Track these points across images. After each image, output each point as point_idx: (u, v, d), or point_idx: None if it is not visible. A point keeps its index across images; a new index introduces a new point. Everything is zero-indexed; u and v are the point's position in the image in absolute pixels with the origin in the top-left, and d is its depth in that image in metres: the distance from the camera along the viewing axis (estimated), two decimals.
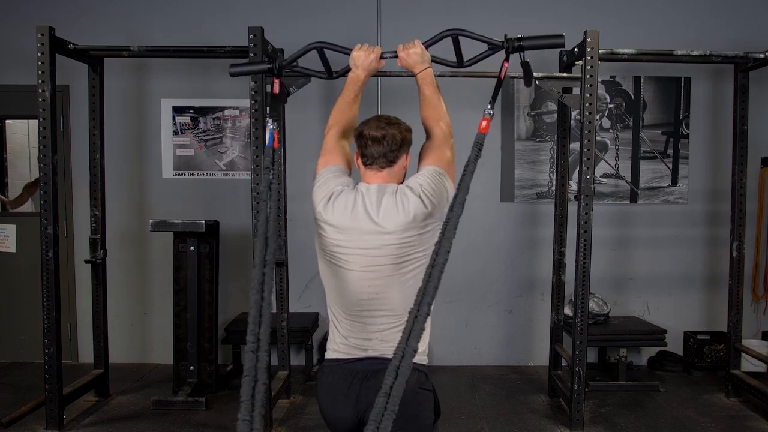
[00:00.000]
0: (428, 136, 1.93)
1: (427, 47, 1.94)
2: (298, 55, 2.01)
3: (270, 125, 1.80)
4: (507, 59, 1.72)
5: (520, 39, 1.74)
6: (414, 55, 1.92)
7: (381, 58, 1.96)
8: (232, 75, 2.00)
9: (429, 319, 1.82)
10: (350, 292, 1.77)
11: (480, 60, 1.98)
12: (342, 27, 4.55)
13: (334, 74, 2.14)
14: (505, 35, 1.75)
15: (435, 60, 1.97)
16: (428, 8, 4.56)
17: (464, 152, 3.00)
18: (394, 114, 1.93)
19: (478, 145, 1.59)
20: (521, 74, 1.90)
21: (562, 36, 1.77)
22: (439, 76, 3.62)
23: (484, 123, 1.62)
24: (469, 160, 1.55)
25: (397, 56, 1.95)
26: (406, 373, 1.27)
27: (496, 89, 1.69)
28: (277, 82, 1.90)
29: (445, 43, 2.02)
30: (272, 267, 1.47)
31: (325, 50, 2.04)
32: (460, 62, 2.06)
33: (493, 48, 1.83)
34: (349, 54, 1.97)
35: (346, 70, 2.01)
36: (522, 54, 1.77)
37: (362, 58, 1.94)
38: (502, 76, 1.72)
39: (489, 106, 1.66)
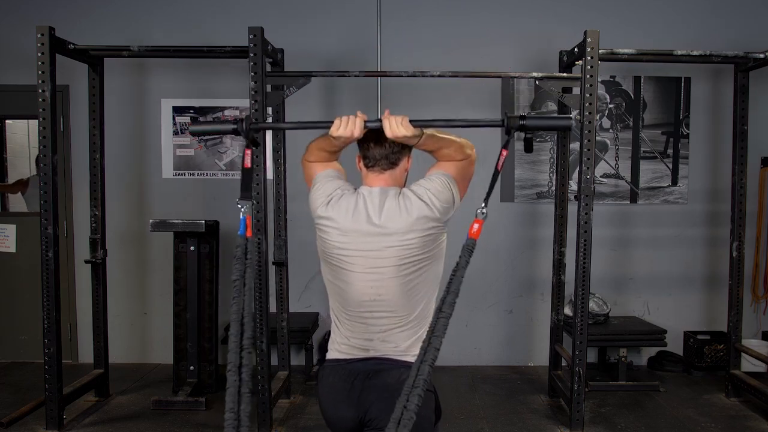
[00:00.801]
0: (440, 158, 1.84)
1: (415, 126, 1.69)
2: (270, 127, 1.86)
3: (241, 209, 1.55)
4: (506, 147, 1.51)
5: (523, 118, 1.56)
6: (403, 138, 1.69)
7: (365, 128, 1.72)
8: (192, 134, 1.78)
9: (430, 319, 1.82)
10: (352, 293, 1.77)
11: (475, 127, 1.77)
12: (342, 27, 4.55)
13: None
14: (506, 113, 1.59)
15: (424, 124, 1.70)
16: (428, 8, 4.56)
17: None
18: (395, 115, 1.92)
19: (469, 251, 1.44)
20: (521, 74, 1.85)
21: (570, 119, 1.64)
22: (439, 76, 3.67)
23: (476, 226, 1.44)
24: (458, 266, 1.44)
25: (381, 126, 1.69)
26: (426, 371, 1.28)
27: (492, 183, 1.50)
28: (248, 153, 1.59)
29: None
30: (249, 351, 1.41)
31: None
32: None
33: (493, 126, 1.67)
34: (328, 130, 1.73)
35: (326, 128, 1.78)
36: (525, 132, 1.60)
37: (343, 139, 1.72)
38: (499, 167, 1.52)
39: (483, 205, 1.47)
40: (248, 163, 1.59)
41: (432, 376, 1.84)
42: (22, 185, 5.11)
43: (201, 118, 4.63)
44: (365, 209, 1.75)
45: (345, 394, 1.76)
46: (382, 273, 1.73)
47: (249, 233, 1.51)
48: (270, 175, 3.92)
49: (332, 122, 1.71)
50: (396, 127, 1.67)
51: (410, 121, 1.67)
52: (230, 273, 1.44)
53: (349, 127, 1.69)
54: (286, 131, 4.00)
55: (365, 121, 1.70)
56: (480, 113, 4.45)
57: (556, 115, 1.48)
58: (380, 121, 1.70)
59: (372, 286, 1.74)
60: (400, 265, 1.72)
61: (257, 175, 3.34)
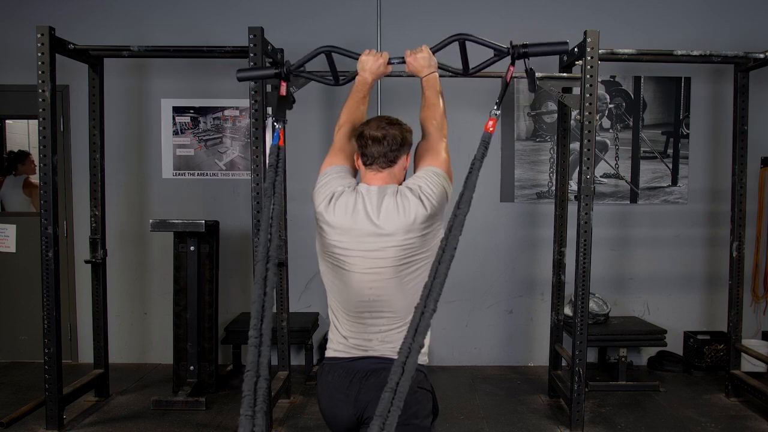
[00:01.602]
0: (424, 135, 1.94)
1: (434, 52, 1.98)
2: (306, 60, 2.03)
3: (277, 125, 1.82)
4: (513, 63, 1.75)
5: (525, 45, 1.77)
6: (421, 59, 1.95)
7: (389, 63, 1.99)
8: (240, 80, 2.02)
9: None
10: (351, 293, 1.77)
11: (486, 67, 2.03)
12: (342, 27, 4.55)
13: (341, 80, 2.17)
14: (511, 42, 1.79)
15: (441, 67, 2.00)
16: (428, 8, 4.56)
17: (466, 151, 3.02)
18: (394, 115, 1.93)
19: (485, 144, 1.61)
20: (521, 74, 1.92)
21: (566, 43, 1.81)
22: (440, 77, 3.65)
23: (491, 123, 1.64)
24: (476, 158, 1.57)
25: (404, 62, 1.98)
26: (412, 369, 1.27)
27: (503, 91, 1.73)
28: (284, 84, 1.91)
29: (450, 51, 2.05)
30: (275, 263, 1.47)
31: (333, 54, 2.07)
32: (466, 69, 2.11)
33: (499, 54, 1.87)
34: (357, 58, 2.00)
35: (352, 76, 2.05)
36: (526, 61, 1.80)
37: (370, 62, 1.97)
38: (508, 79, 1.75)
39: (495, 107, 1.69)
40: (283, 91, 1.92)
41: (430, 376, 1.85)
42: None
43: (201, 119, 4.63)
44: (364, 208, 1.75)
45: (343, 393, 1.76)
46: (381, 273, 1.73)
47: (282, 143, 1.76)
48: None
49: (359, 55, 2.00)
50: (416, 50, 1.96)
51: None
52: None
53: (375, 54, 1.98)
54: (287, 132, 3.99)
55: (390, 57, 2.00)
56: (480, 113, 4.44)
57: (552, 41, 1.68)
58: (402, 57, 1.99)
59: (371, 287, 1.75)
60: (398, 265, 1.72)
61: (257, 174, 3.35)
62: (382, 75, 2.03)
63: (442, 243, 1.44)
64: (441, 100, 1.96)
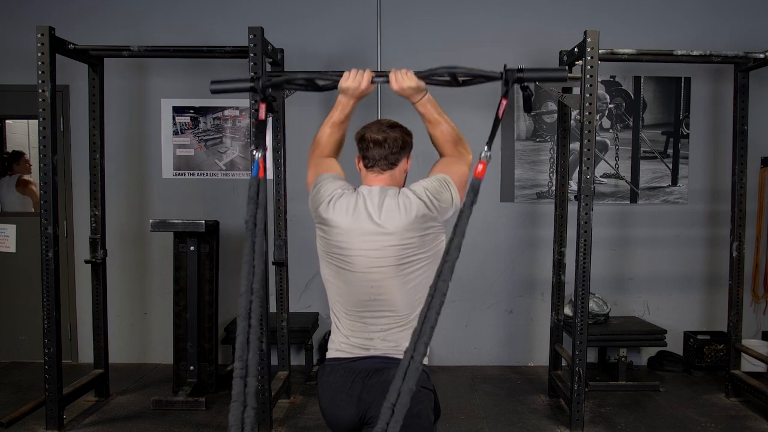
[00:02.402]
0: (443, 155, 1.90)
1: (420, 78, 1.79)
2: (284, 80, 1.88)
3: (256, 154, 1.60)
4: (505, 96, 1.56)
5: (521, 70, 1.61)
6: (408, 89, 1.79)
7: (372, 82, 1.82)
8: (213, 92, 1.83)
9: None
10: (352, 292, 1.78)
11: (477, 84, 1.84)
12: (342, 27, 4.55)
13: (322, 87, 1.92)
14: (505, 66, 1.63)
15: (431, 83, 1.82)
16: (428, 8, 4.56)
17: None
18: (394, 117, 1.93)
19: (474, 191, 1.44)
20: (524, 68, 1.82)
21: (565, 70, 1.71)
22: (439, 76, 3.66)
23: (480, 167, 1.45)
24: (464, 206, 1.43)
25: (388, 81, 1.80)
26: (414, 376, 1.26)
27: (494, 129, 1.53)
28: (262, 107, 1.71)
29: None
30: (260, 295, 1.41)
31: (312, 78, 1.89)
32: (456, 83, 1.92)
33: (492, 80, 1.69)
34: (337, 83, 1.83)
35: (333, 86, 1.88)
36: (523, 84, 1.65)
37: (351, 89, 1.81)
38: (501, 114, 1.55)
39: (486, 148, 1.48)
40: (262, 115, 1.70)
41: (431, 376, 1.85)
42: None
43: (201, 119, 4.63)
44: (365, 208, 1.75)
45: (345, 393, 1.76)
46: (382, 272, 1.73)
47: (261, 174, 1.56)
48: (270, 175, 3.93)
49: (341, 74, 1.79)
50: (402, 78, 1.75)
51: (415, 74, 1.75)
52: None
53: (357, 78, 1.78)
54: (287, 133, 4.00)
55: (373, 76, 1.79)
56: (480, 113, 4.44)
57: (551, 67, 1.54)
58: (387, 75, 1.77)
59: (372, 286, 1.75)
60: (399, 264, 1.73)
61: (266, 123, 3.33)
62: (365, 95, 1.87)
63: (431, 290, 1.39)
64: (446, 118, 1.88)
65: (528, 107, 1.76)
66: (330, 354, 1.85)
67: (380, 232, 1.72)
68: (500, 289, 4.71)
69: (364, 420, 1.75)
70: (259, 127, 1.69)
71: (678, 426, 3.58)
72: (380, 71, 1.82)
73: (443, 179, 1.80)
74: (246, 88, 1.78)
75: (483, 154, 1.47)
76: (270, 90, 1.76)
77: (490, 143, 1.49)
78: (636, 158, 4.68)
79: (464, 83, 1.83)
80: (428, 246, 1.74)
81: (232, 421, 1.21)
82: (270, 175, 3.94)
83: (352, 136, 1.92)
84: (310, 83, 1.88)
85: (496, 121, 1.54)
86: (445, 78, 1.80)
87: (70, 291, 4.66)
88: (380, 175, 1.82)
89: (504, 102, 1.55)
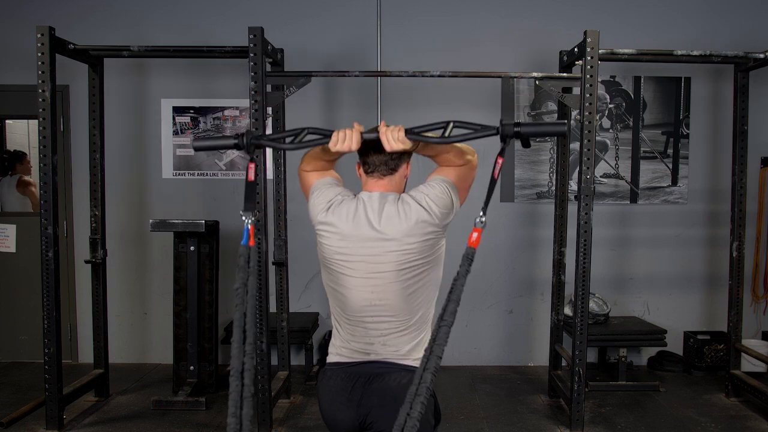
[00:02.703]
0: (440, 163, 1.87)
1: (411, 137, 1.69)
2: (269, 141, 1.81)
3: (245, 220, 1.51)
4: (501, 154, 1.49)
5: (518, 125, 1.54)
6: (400, 150, 1.72)
7: (362, 140, 1.73)
8: (196, 149, 1.74)
9: (430, 324, 1.83)
10: (352, 298, 1.78)
11: (470, 139, 1.69)
12: (342, 27, 4.55)
13: (309, 144, 1.82)
14: (501, 120, 1.56)
15: (420, 138, 1.69)
16: (428, 8, 4.56)
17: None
18: (395, 116, 1.93)
19: (468, 260, 1.40)
20: (521, 74, 1.84)
21: (564, 124, 1.62)
22: (439, 76, 3.66)
23: (475, 235, 1.41)
24: (459, 275, 1.40)
25: (377, 138, 1.70)
26: (428, 379, 1.27)
27: (489, 192, 1.46)
28: (251, 168, 1.58)
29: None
30: (252, 357, 1.37)
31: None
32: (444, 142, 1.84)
33: (488, 135, 1.61)
34: (329, 139, 1.73)
35: (324, 142, 1.76)
36: (520, 138, 1.57)
37: (341, 151, 1.74)
38: (496, 175, 1.48)
39: (481, 214, 1.43)
40: (251, 176, 1.58)
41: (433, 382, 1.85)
42: None
43: (201, 119, 4.63)
44: (365, 214, 1.75)
45: (345, 397, 1.76)
46: (383, 278, 1.74)
47: (252, 242, 1.49)
48: (270, 175, 3.93)
49: (329, 137, 1.71)
50: (393, 143, 1.67)
51: (406, 131, 1.66)
52: (231, 273, 1.44)
53: (347, 141, 1.70)
54: (287, 126, 3.99)
55: (362, 134, 1.71)
56: (480, 113, 4.45)
57: (550, 121, 1.46)
58: (377, 132, 1.70)
59: (372, 291, 1.75)
60: (399, 270, 1.73)
61: (258, 184, 3.34)
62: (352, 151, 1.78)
63: (426, 352, 1.38)
64: (445, 146, 1.77)
65: (526, 144, 1.62)
66: (330, 358, 1.86)
67: (380, 238, 1.73)
68: (500, 289, 4.71)
69: (364, 425, 1.75)
70: (249, 189, 1.57)
71: (678, 426, 3.58)
72: (369, 130, 1.73)
73: (445, 184, 1.79)
74: (230, 145, 1.67)
75: (477, 221, 1.42)
76: (253, 146, 1.65)
77: (485, 209, 1.44)
78: (636, 158, 4.68)
79: (452, 142, 1.69)
80: (428, 252, 1.75)
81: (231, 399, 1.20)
82: (270, 175, 3.94)
83: None
84: (297, 140, 1.76)
85: (492, 183, 1.48)
86: (435, 137, 1.68)
87: (70, 291, 4.66)
88: (380, 180, 1.82)
89: (500, 161, 1.48)
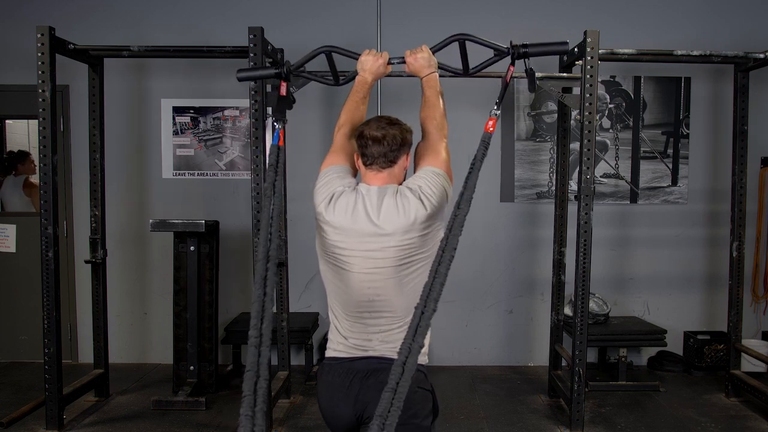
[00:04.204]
0: (424, 135, 1.94)
1: (434, 52, 1.98)
2: (306, 59, 2.03)
3: (277, 125, 1.81)
4: (513, 63, 1.76)
5: (525, 45, 1.77)
6: (421, 59, 1.95)
7: (389, 63, 1.99)
8: (240, 80, 1.99)
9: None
10: (351, 293, 1.77)
11: (486, 67, 2.03)
12: (342, 27, 4.55)
13: (341, 80, 2.19)
14: (511, 42, 1.79)
15: (441, 67, 2.00)
16: (428, 8, 4.56)
17: (466, 151, 2.99)
18: (395, 115, 1.93)
19: (485, 144, 1.61)
20: (521, 74, 1.94)
21: (566, 43, 1.82)
22: (440, 77, 3.66)
23: (491, 122, 1.64)
24: (476, 158, 1.56)
25: (404, 62, 1.98)
26: (412, 369, 1.27)
27: (503, 91, 1.72)
28: (284, 84, 1.91)
29: (450, 51, 2.06)
30: (275, 263, 1.46)
31: (333, 54, 2.07)
32: (466, 69, 2.12)
33: (499, 54, 1.87)
34: (357, 58, 2.00)
35: (352, 76, 2.04)
36: (526, 61, 1.81)
37: (370, 62, 1.97)
38: (508, 80, 1.75)
39: (495, 107, 1.69)
40: (284, 91, 1.90)
41: (429, 376, 1.85)
42: None
43: (201, 119, 4.63)
44: (364, 208, 1.75)
45: (343, 392, 1.76)
46: (381, 273, 1.73)
47: (281, 143, 1.76)
48: None
49: (359, 55, 1.99)
50: (417, 50, 1.95)
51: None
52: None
53: (376, 55, 1.97)
54: (287, 131, 3.99)
55: (390, 58, 1.99)
56: (480, 113, 4.45)
57: (552, 41, 1.71)
58: (403, 58, 1.98)
59: (370, 287, 1.75)
60: (398, 265, 1.73)
61: (257, 174, 3.35)
62: (382, 75, 2.02)
63: (441, 243, 1.43)
64: (441, 101, 1.96)
65: (532, 86, 1.94)
66: (329, 354, 1.85)
67: (379, 233, 1.72)
68: (500, 289, 4.71)
69: (362, 419, 1.75)
70: (280, 101, 1.87)
71: (678, 426, 3.58)
72: (395, 57, 2.02)
73: (437, 174, 1.80)
74: (271, 74, 1.96)
75: (493, 112, 1.68)
76: (293, 74, 1.94)
77: (499, 103, 1.70)
78: (636, 158, 4.68)
79: (473, 72, 2.06)
80: (428, 245, 1.74)
81: (246, 391, 1.22)
82: None
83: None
84: (330, 68, 2.10)
85: (504, 85, 1.75)
86: (456, 68, 2.03)
87: (70, 291, 4.66)
88: (379, 173, 1.82)
89: (511, 69, 1.74)
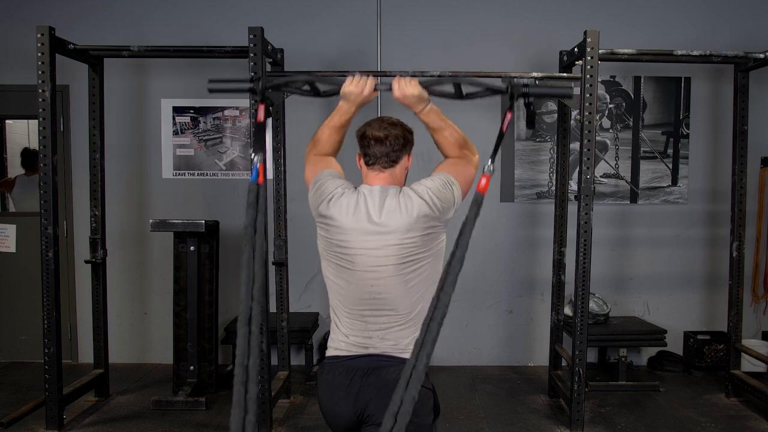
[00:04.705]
0: (448, 157, 1.90)
1: (425, 87, 1.79)
2: (284, 82, 1.88)
3: (254, 158, 1.55)
4: (511, 109, 1.55)
5: (526, 86, 1.58)
6: (411, 97, 1.78)
7: (375, 89, 1.83)
8: (210, 91, 1.80)
9: None
10: (352, 291, 1.78)
11: (482, 97, 1.78)
12: (342, 27, 4.55)
13: (322, 93, 1.94)
14: (510, 80, 1.61)
15: (433, 93, 1.80)
16: (428, 8, 4.55)
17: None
18: (394, 115, 1.94)
19: (477, 204, 1.43)
20: (521, 74, 1.87)
21: (570, 88, 1.69)
22: (439, 76, 3.66)
23: (484, 181, 1.44)
24: (468, 219, 1.42)
25: (390, 88, 1.80)
26: (417, 384, 1.26)
27: (497, 143, 1.50)
28: (261, 108, 1.65)
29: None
30: (260, 302, 1.39)
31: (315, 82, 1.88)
32: (459, 96, 1.91)
33: (496, 93, 1.67)
34: (339, 88, 1.83)
35: (335, 92, 1.87)
36: (526, 98, 1.62)
37: (354, 95, 1.81)
38: (504, 129, 1.52)
39: (489, 162, 1.47)
40: (261, 116, 1.63)
41: (430, 375, 1.85)
42: (8, 184, 5.08)
43: (201, 119, 4.63)
44: (365, 207, 1.75)
45: (344, 391, 1.77)
46: (382, 271, 1.74)
47: (261, 180, 1.50)
48: (270, 175, 3.93)
49: (345, 78, 1.80)
50: (405, 85, 1.75)
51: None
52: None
53: (360, 83, 1.78)
54: (287, 132, 4.00)
55: (376, 83, 1.80)
56: (480, 113, 4.44)
57: (557, 83, 1.53)
58: (390, 83, 1.77)
59: (372, 285, 1.75)
60: (400, 263, 1.73)
61: (265, 125, 3.32)
62: (367, 102, 1.86)
63: (433, 301, 1.38)
64: (450, 123, 1.86)
65: (531, 123, 1.70)
66: (329, 352, 1.86)
67: (381, 232, 1.73)
68: (500, 289, 4.71)
69: (362, 418, 1.76)
70: (258, 130, 1.64)
71: (678, 426, 3.58)
72: (383, 76, 1.79)
73: (446, 179, 1.80)
74: (245, 88, 1.74)
75: (486, 168, 1.44)
76: (269, 91, 1.72)
77: (493, 157, 1.46)
78: (636, 158, 4.68)
79: (467, 96, 1.78)
80: (429, 245, 1.75)
81: (233, 428, 1.20)
82: (270, 175, 3.94)
83: (352, 133, 1.92)
84: (311, 87, 1.86)
85: (500, 136, 1.49)
86: (449, 90, 1.78)
87: (70, 291, 4.66)
88: (381, 173, 1.82)
89: (509, 116, 1.50)
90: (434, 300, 1.36)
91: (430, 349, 1.29)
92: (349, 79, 1.79)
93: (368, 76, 1.80)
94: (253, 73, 3.22)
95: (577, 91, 3.55)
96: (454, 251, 1.39)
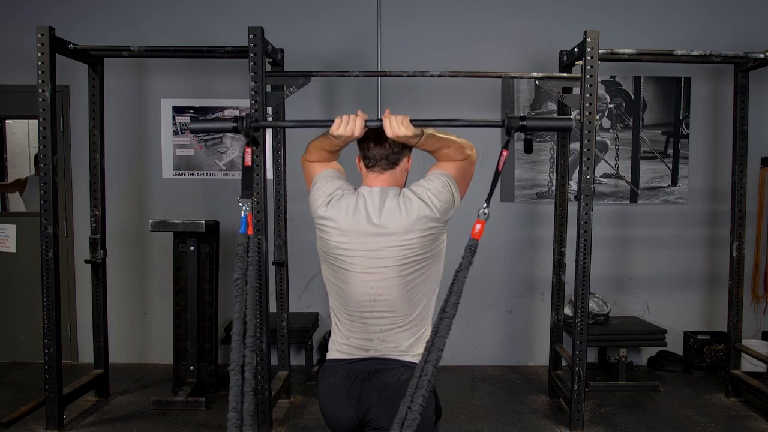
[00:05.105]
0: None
1: (417, 126, 1.71)
2: (271, 125, 1.85)
3: (243, 207, 1.52)
4: (506, 147, 1.50)
5: (523, 118, 1.55)
6: (403, 138, 1.70)
7: (365, 127, 1.72)
8: (192, 131, 1.76)
9: (430, 319, 1.83)
10: (352, 293, 1.77)
11: (478, 126, 1.78)
12: (342, 27, 4.55)
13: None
14: (506, 113, 1.58)
15: (424, 123, 1.71)
16: (428, 8, 4.55)
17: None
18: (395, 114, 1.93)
19: (471, 252, 1.41)
20: (521, 74, 1.85)
21: (570, 119, 1.63)
22: (439, 76, 3.66)
23: (478, 227, 1.41)
24: (461, 266, 1.40)
25: (381, 125, 1.69)
26: (429, 372, 1.27)
27: (493, 184, 1.47)
28: (248, 152, 1.58)
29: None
30: (252, 350, 1.36)
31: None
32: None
33: (492, 127, 1.66)
34: (328, 129, 1.74)
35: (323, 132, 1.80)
36: (525, 132, 1.60)
37: (343, 138, 1.72)
38: (500, 167, 1.49)
39: (484, 206, 1.45)
40: (248, 161, 1.57)
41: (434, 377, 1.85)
42: (20, 185, 5.10)
43: (201, 117, 4.62)
44: (365, 209, 1.75)
45: (345, 394, 1.76)
46: (383, 273, 1.73)
47: (250, 231, 1.49)
48: (270, 175, 3.93)
49: (332, 121, 1.72)
50: (396, 127, 1.67)
51: (411, 121, 1.68)
52: (230, 273, 1.43)
53: (349, 126, 1.69)
54: (287, 130, 4.00)
55: (365, 121, 1.70)
56: (480, 113, 4.45)
57: (556, 116, 1.45)
58: (381, 120, 1.70)
59: (372, 286, 1.75)
60: (400, 265, 1.72)
61: (257, 174, 3.34)
62: (355, 140, 1.77)
63: (427, 344, 1.35)
64: (445, 140, 1.78)
65: (528, 148, 1.66)
66: (330, 355, 1.85)
67: (381, 233, 1.72)
68: (500, 289, 4.71)
69: (364, 422, 1.75)
70: (246, 175, 1.54)
71: (678, 426, 3.58)
72: (373, 119, 1.71)
73: (445, 178, 1.79)
74: (228, 128, 1.67)
75: (481, 213, 1.42)
76: (254, 132, 1.64)
77: (488, 201, 1.44)
78: (636, 158, 4.67)
79: (465, 126, 1.74)
80: (429, 247, 1.74)
81: None
82: (270, 175, 3.93)
83: None
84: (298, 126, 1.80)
85: (496, 175, 1.46)
86: (440, 121, 1.71)
87: (70, 291, 4.66)
88: (381, 175, 1.81)
89: (504, 153, 1.48)
90: (428, 343, 1.37)
91: (431, 378, 1.32)
92: (337, 122, 1.70)
93: (357, 114, 1.70)
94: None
95: (576, 122, 3.55)
96: (448, 297, 1.38)
